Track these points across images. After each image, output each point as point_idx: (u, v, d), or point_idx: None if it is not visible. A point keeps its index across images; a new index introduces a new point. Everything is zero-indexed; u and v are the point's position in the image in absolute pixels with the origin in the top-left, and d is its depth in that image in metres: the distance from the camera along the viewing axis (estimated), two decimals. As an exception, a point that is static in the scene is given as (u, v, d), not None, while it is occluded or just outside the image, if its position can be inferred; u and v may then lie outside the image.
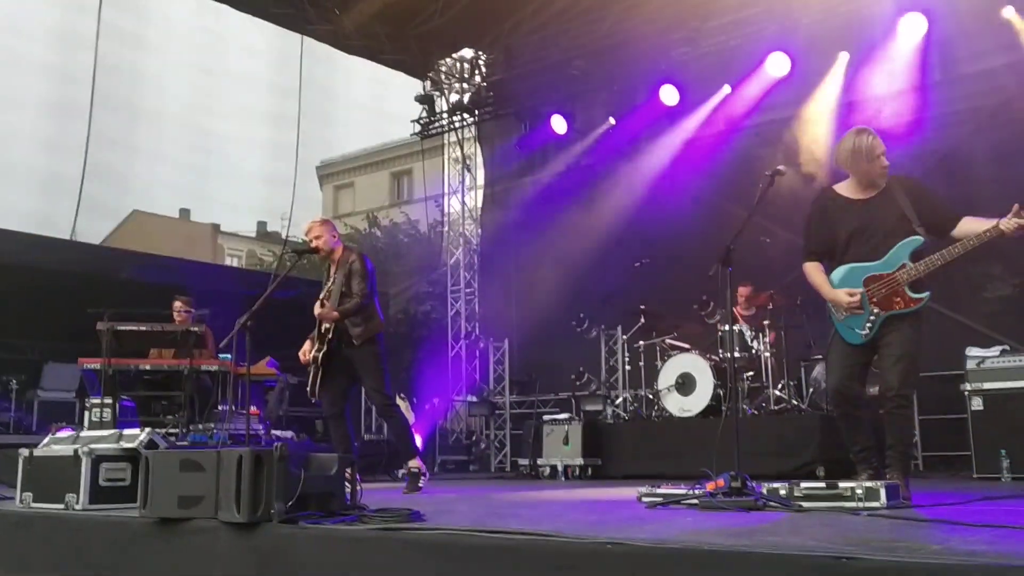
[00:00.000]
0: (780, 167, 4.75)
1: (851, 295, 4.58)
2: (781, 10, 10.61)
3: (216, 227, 38.10)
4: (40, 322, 11.05)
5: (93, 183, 13.22)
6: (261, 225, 39.44)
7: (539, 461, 9.21)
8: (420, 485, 6.24)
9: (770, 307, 8.85)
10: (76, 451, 4.31)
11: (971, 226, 4.44)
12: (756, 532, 3.08)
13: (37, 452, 4.59)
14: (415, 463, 6.22)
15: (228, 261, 35.32)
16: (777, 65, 10.71)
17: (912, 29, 9.77)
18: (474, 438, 13.63)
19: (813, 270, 4.81)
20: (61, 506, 4.25)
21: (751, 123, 11.30)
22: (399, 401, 19.58)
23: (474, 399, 13.54)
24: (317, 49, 13.59)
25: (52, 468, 4.40)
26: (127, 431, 4.63)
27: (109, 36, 12.44)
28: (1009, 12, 9.53)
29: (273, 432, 8.69)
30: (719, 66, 11.40)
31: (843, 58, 10.60)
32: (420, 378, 15.19)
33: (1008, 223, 4.29)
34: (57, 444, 4.62)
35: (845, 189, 4.78)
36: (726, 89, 11.43)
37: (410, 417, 18.57)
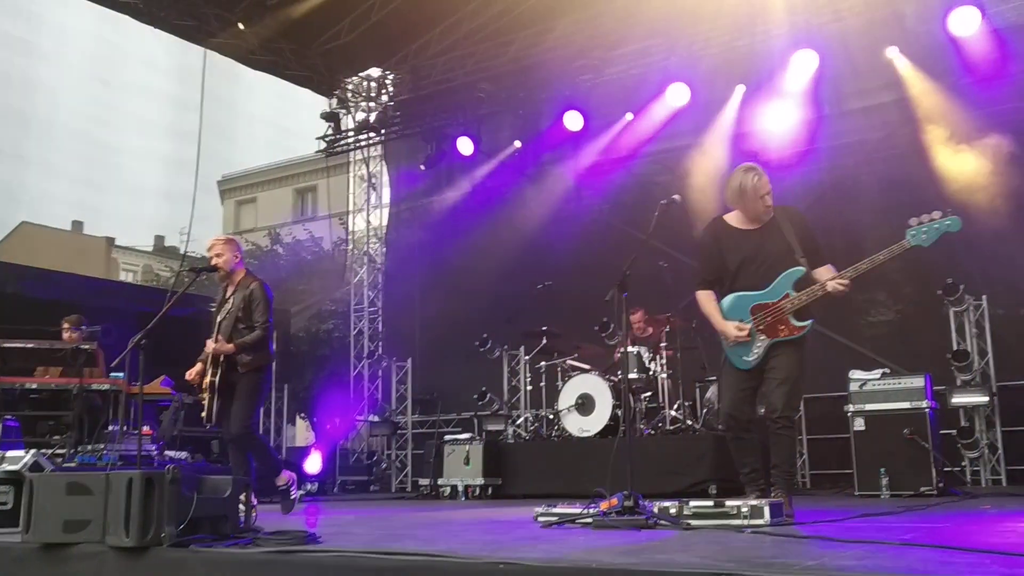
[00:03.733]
0: (675, 196, 4.93)
1: (740, 329, 4.77)
2: (683, 42, 10.97)
3: (110, 241, 36.86)
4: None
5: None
6: (159, 240, 38.34)
7: (440, 481, 9.22)
8: (293, 497, 6.13)
9: (667, 329, 9.08)
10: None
11: (820, 274, 4.75)
12: (645, 550, 3.18)
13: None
14: (282, 478, 6.09)
15: (123, 276, 34.22)
16: (677, 95, 11.06)
17: (804, 65, 10.22)
18: (375, 458, 13.53)
19: (705, 299, 4.99)
20: (-64, 532, 4.07)
21: (651, 150, 11.61)
22: (299, 420, 19.29)
23: (376, 419, 13.43)
24: (220, 63, 13.37)
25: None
26: (11, 453, 4.47)
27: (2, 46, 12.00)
28: (892, 52, 10.08)
29: (167, 453, 8.46)
30: (622, 94, 11.69)
31: (739, 90, 11.02)
32: (321, 397, 15.02)
33: (832, 284, 4.62)
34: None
35: (734, 219, 4.98)
36: (628, 116, 11.73)
37: (310, 437, 18.33)
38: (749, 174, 4.84)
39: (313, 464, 11.62)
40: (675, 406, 8.89)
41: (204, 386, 5.88)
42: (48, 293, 10.87)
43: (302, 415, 18.99)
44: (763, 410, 5.07)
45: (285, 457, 11.68)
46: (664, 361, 8.98)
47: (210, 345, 5.84)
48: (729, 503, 4.19)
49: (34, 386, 7.99)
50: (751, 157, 10.59)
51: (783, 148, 10.40)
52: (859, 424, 7.68)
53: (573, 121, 11.87)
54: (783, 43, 10.42)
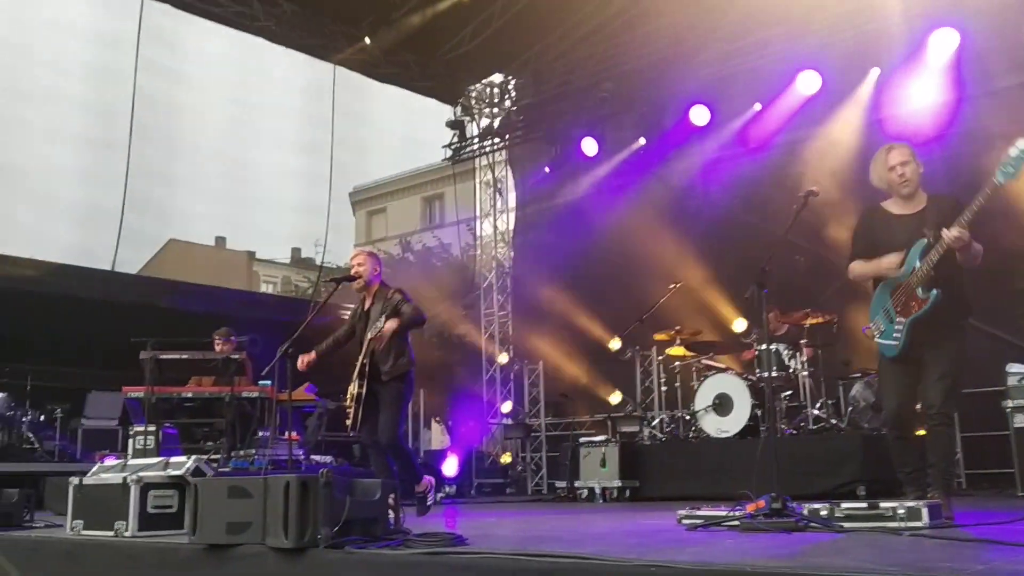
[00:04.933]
0: (814, 188, 4.78)
1: (895, 265, 4.62)
2: (811, 28, 10.62)
3: (251, 254, 38.56)
4: (83, 351, 11.27)
5: (131, 214, 13.47)
6: (295, 252, 39.86)
7: (576, 483, 9.21)
8: (430, 503, 6.28)
9: (806, 325, 8.81)
10: (125, 479, 4.40)
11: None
12: (798, 554, 3.09)
13: (87, 480, 4.69)
14: (422, 485, 6.24)
15: (264, 288, 35.71)
16: (807, 83, 10.72)
17: (943, 44, 9.73)
18: (511, 461, 13.64)
19: (857, 264, 4.86)
20: (111, 533, 4.34)
21: (781, 141, 11.28)
22: (434, 424, 19.67)
23: (509, 422, 13.55)
24: (349, 78, 13.81)
25: (102, 496, 4.50)
26: (174, 459, 4.72)
27: (147, 71, 12.73)
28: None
29: (312, 457, 8.77)
30: (749, 85, 11.41)
31: (873, 75, 10.58)
32: (455, 402, 15.25)
33: (948, 234, 4.38)
34: (106, 472, 4.72)
35: (890, 204, 4.85)
36: (756, 107, 11.44)
37: (445, 440, 18.64)
38: (882, 149, 4.79)
39: (450, 467, 11.82)
40: (817, 404, 8.61)
41: (350, 396, 6.08)
42: (197, 306, 11.44)
43: (437, 419, 19.35)
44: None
45: (423, 460, 11.92)
46: (804, 358, 8.70)
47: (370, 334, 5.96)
48: (884, 504, 4.02)
49: (189, 395, 8.42)
50: (888, 141, 10.20)
51: (923, 132, 9.92)
52: (1019, 420, 7.25)
53: (699, 116, 11.68)
54: (918, 22, 9.96)
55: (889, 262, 4.66)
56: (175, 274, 23.01)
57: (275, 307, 14.38)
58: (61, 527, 4.96)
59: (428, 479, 6.37)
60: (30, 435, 10.97)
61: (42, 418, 11.34)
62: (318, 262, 29.07)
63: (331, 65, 13.24)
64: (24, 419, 10.99)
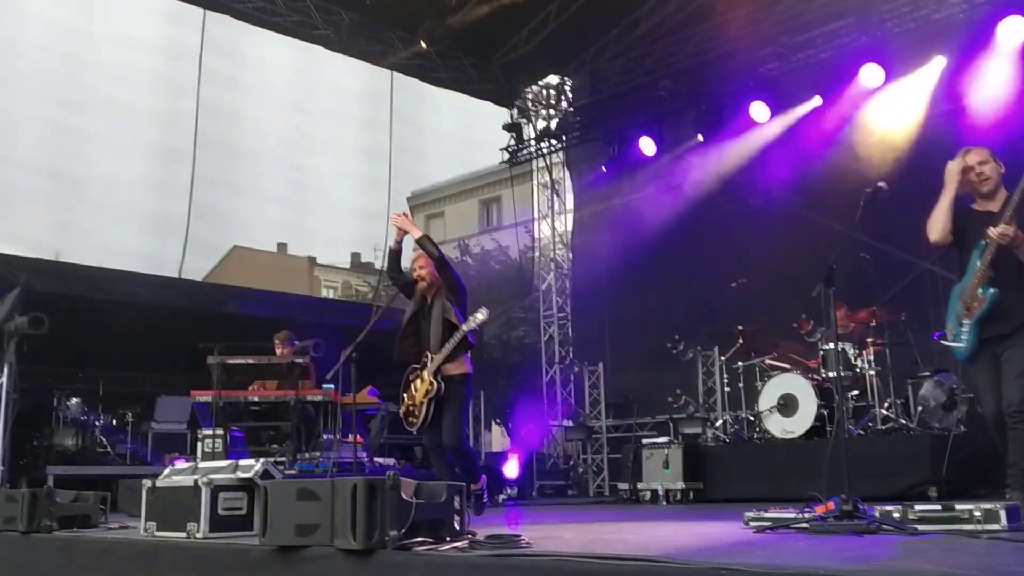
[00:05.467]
0: (881, 183, 4.68)
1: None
2: (874, 20, 10.42)
3: (312, 260, 39.13)
4: (153, 357, 11.54)
5: (196, 222, 13.77)
6: (355, 256, 40.34)
7: (639, 485, 9.14)
8: (485, 501, 6.33)
9: (873, 323, 8.63)
10: (196, 482, 4.49)
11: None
12: (872, 557, 3.02)
13: (159, 483, 4.80)
14: (478, 484, 6.28)
15: (324, 293, 36.19)
16: (871, 77, 10.51)
17: (1013, 32, 9.46)
18: (571, 463, 13.61)
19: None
20: (183, 535, 4.43)
21: (845, 136, 11.08)
22: (494, 425, 19.69)
23: (570, 424, 13.53)
24: (406, 83, 13.95)
25: (174, 498, 4.60)
26: (243, 462, 4.80)
27: (210, 81, 13.01)
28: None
29: (375, 459, 8.87)
30: (811, 80, 11.24)
31: (939, 66, 10.32)
32: (515, 404, 15.28)
33: (993, 232, 4.40)
34: (178, 475, 4.82)
35: (976, 204, 4.81)
36: (817, 100, 11.25)
37: (506, 442, 18.68)
38: (960, 152, 4.74)
39: (511, 469, 11.84)
40: (886, 404, 8.42)
41: (417, 396, 6.11)
42: (261, 311, 11.62)
43: (497, 421, 19.39)
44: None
45: (484, 462, 11.95)
46: (871, 357, 8.52)
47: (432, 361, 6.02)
48: (959, 506, 3.91)
49: (255, 399, 8.57)
50: (955, 134, 9.95)
51: (992, 122, 9.65)
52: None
53: (759, 112, 11.53)
54: (985, 10, 9.70)
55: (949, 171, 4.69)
56: (239, 280, 23.44)
57: (336, 311, 14.55)
58: (135, 529, 5.07)
59: (484, 477, 6.42)
60: (103, 439, 11.28)
61: (114, 422, 11.65)
62: (378, 266, 29.39)
63: (388, 71, 13.39)
64: (97, 423, 11.30)
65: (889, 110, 10.68)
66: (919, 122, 10.40)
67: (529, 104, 14.46)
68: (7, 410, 8.64)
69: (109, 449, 11.25)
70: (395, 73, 13.49)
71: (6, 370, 8.69)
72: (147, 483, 4.82)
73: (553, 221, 14.98)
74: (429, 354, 6.11)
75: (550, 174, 14.91)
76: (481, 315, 6.02)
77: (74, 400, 11.07)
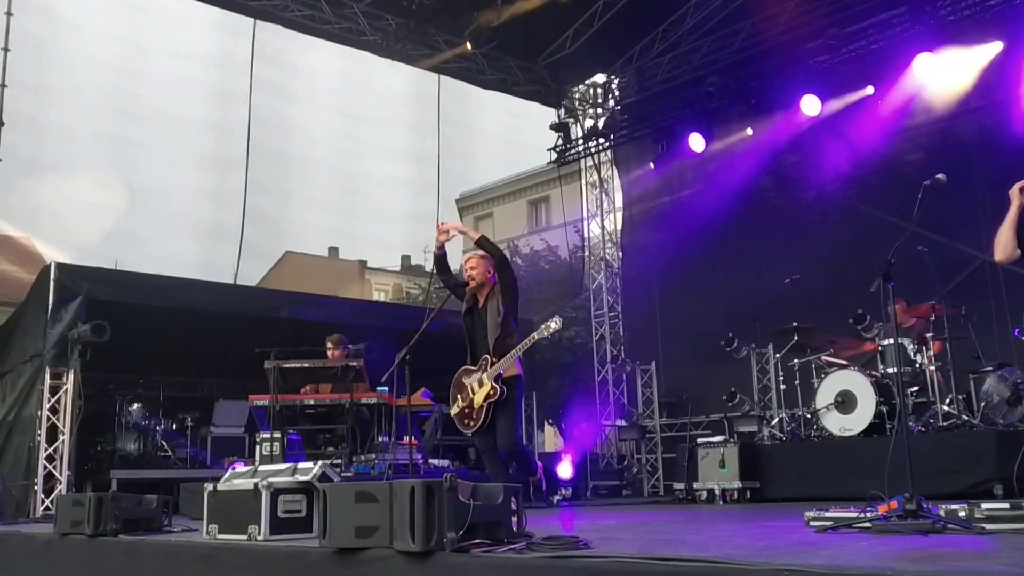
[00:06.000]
0: (939, 176, 4.59)
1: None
2: (928, 9, 10.20)
3: (363, 264, 39.48)
4: (210, 362, 11.73)
5: (250, 228, 14.00)
6: (405, 259, 40.63)
7: (695, 485, 9.05)
8: (544, 490, 6.35)
9: (932, 318, 8.45)
10: (256, 485, 4.56)
11: None
12: (939, 557, 2.96)
13: (220, 486, 4.88)
14: (536, 476, 6.31)
15: (376, 296, 36.50)
16: (925, 67, 10.30)
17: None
18: (625, 463, 13.55)
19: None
20: (244, 537, 4.50)
21: (898, 128, 10.87)
22: (547, 426, 19.69)
23: (623, 423, 13.46)
24: (453, 86, 14.02)
25: (235, 501, 4.67)
26: (301, 464, 4.86)
27: (260, 90, 13.21)
28: None
29: (430, 461, 8.91)
30: (862, 72, 11.05)
31: (994, 51, 10.06)
32: (568, 404, 15.25)
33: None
34: (237, 479, 4.90)
35: None
36: (869, 90, 11.05)
37: (558, 442, 18.66)
38: None
39: (565, 470, 11.81)
40: (947, 400, 8.24)
41: (478, 400, 6.13)
42: (314, 315, 11.73)
43: (550, 421, 19.36)
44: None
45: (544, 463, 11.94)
46: (931, 352, 8.35)
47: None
48: (1029, 505, 3.81)
49: (311, 402, 8.67)
50: (1012, 123, 9.70)
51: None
52: None
53: (810, 105, 11.36)
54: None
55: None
56: (291, 285, 23.73)
57: (388, 314, 14.64)
58: (197, 531, 5.17)
59: (540, 466, 6.46)
60: (164, 443, 11.50)
61: (174, 427, 11.88)
62: (428, 269, 29.54)
63: (435, 75, 13.48)
64: (158, 428, 11.53)
65: (944, 98, 10.45)
66: (975, 110, 10.17)
67: (576, 103, 14.44)
68: (72, 416, 8.87)
69: (170, 453, 11.47)
70: (442, 76, 13.57)
71: (71, 377, 8.91)
72: (208, 487, 4.90)
73: (602, 220, 14.93)
74: (488, 357, 6.12)
75: (598, 173, 14.87)
76: (555, 324, 6.01)
77: (135, 406, 11.31)
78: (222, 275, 15.96)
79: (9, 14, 10.30)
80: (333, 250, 41.50)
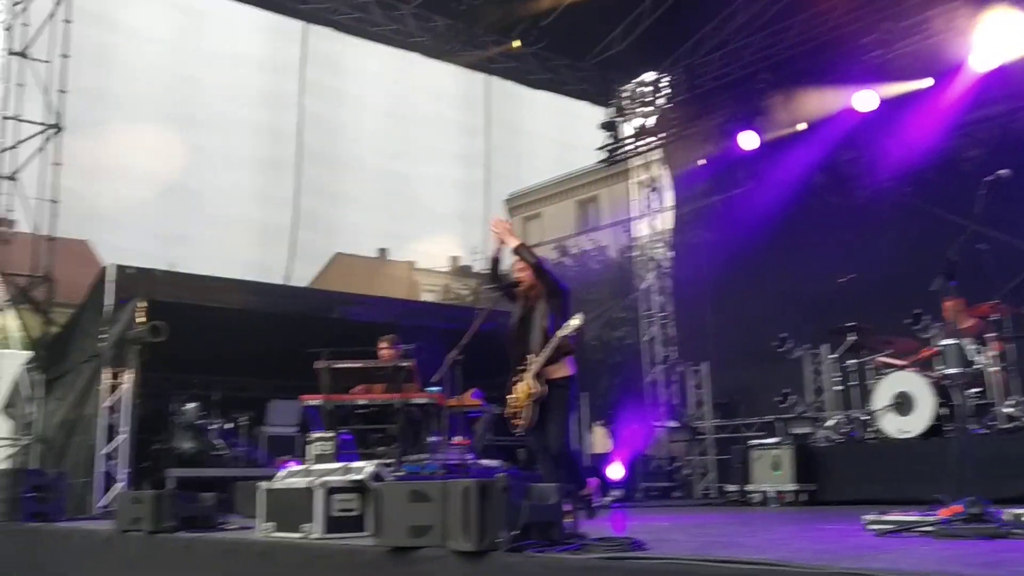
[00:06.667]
0: (1002, 171, 4.48)
1: None
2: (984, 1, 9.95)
3: (412, 264, 39.70)
4: (263, 362, 11.87)
5: (301, 230, 14.16)
6: (454, 260, 40.75)
7: (748, 487, 8.95)
8: (595, 506, 6.26)
9: (994, 318, 8.24)
10: (310, 484, 4.60)
11: None
12: (1005, 563, 2.88)
13: (275, 485, 4.93)
14: (587, 489, 6.23)
15: (424, 296, 36.67)
16: (983, 60, 10.04)
17: None
18: (676, 464, 13.43)
19: None
20: (299, 535, 4.54)
21: (958, 123, 10.62)
22: (597, 427, 19.71)
23: (674, 424, 13.35)
24: (501, 87, 14.03)
25: (290, 500, 4.72)
26: (354, 464, 4.90)
27: (311, 93, 13.36)
28: None
29: (481, 461, 8.91)
30: (918, 66, 10.81)
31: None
32: (618, 405, 15.17)
33: None
34: (292, 477, 4.95)
35: None
36: (925, 83, 10.81)
37: (608, 444, 18.59)
38: None
39: (616, 471, 11.76)
40: (1009, 402, 8.03)
41: (520, 396, 6.13)
42: (364, 316, 11.80)
43: (600, 422, 19.28)
44: None
45: (588, 464, 11.90)
46: (993, 353, 8.14)
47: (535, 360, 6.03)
48: (1099, 509, 3.69)
49: (363, 402, 8.72)
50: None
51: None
52: None
53: (864, 100, 11.15)
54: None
55: None
56: (341, 286, 23.94)
57: (438, 314, 14.69)
58: (251, 529, 5.23)
59: (593, 481, 6.37)
60: (218, 442, 11.65)
61: (228, 426, 12.03)
62: (476, 269, 29.62)
63: (483, 75, 13.50)
64: (212, 427, 11.69)
65: (1004, 93, 10.19)
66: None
67: (625, 102, 14.35)
68: (130, 415, 9.05)
69: (224, 452, 11.61)
70: (491, 77, 13.60)
71: (129, 377, 9.09)
72: (264, 485, 4.96)
73: (652, 219, 14.83)
74: (534, 356, 6.12)
75: (648, 172, 14.77)
76: (576, 321, 6.00)
77: (191, 405, 11.46)
78: (272, 276, 16.15)
79: (67, 21, 10.51)
80: (382, 251, 41.79)
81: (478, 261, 24.31)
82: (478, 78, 13.79)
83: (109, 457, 9.01)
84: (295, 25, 12.17)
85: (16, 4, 10.83)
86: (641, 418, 13.80)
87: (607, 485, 11.09)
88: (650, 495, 12.48)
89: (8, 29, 10.89)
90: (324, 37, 12.55)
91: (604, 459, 12.41)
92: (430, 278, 39.50)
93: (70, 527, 6.94)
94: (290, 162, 13.57)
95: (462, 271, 37.39)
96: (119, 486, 8.82)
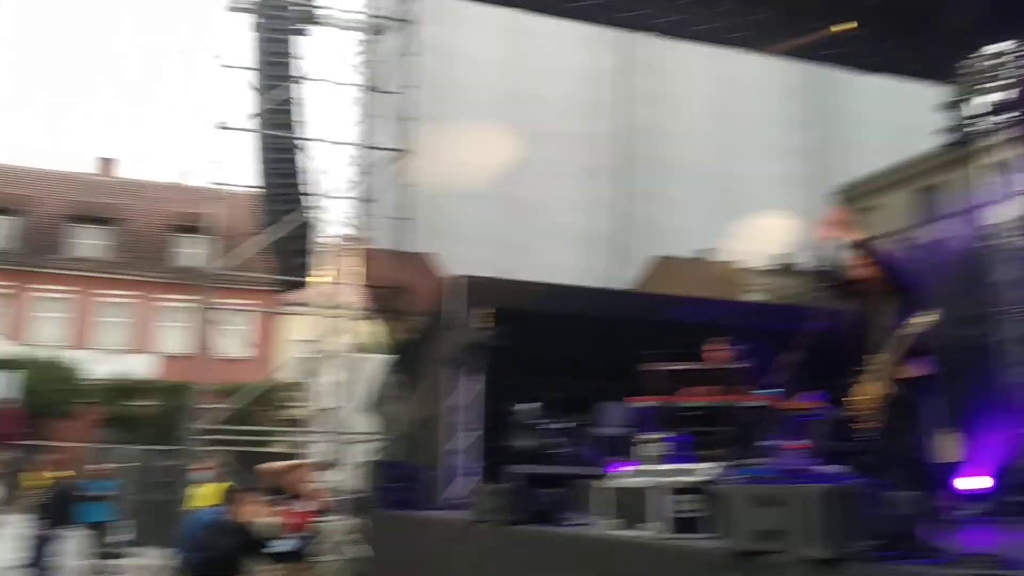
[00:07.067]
0: None
1: None
2: None
3: (736, 264, 38.90)
4: (595, 364, 12.23)
5: (622, 234, 14.46)
6: (781, 258, 39.36)
7: None
8: (951, 518, 5.73)
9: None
10: (656, 484, 4.70)
11: None
12: None
13: (616, 484, 5.10)
14: (941, 500, 5.71)
15: (749, 296, 35.76)
16: None
17: None
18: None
19: None
20: (645, 533, 4.66)
21: None
22: (948, 434, 18.14)
23: (1046, 431, 11.91)
24: (827, 76, 13.42)
25: (633, 498, 4.86)
26: (695, 466, 4.93)
27: (631, 99, 13.61)
28: None
29: (823, 466, 8.55)
30: None
31: None
32: (975, 410, 13.87)
33: None
34: (633, 477, 5.09)
35: None
36: None
37: (960, 453, 16.99)
38: None
39: (978, 482, 10.74)
40: None
41: (870, 402, 5.82)
42: (694, 317, 11.77)
43: (954, 428, 17.71)
44: None
45: (941, 473, 10.97)
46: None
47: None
48: None
49: (694, 404, 8.70)
50: None
51: None
52: None
53: None
54: None
55: None
56: (665, 288, 24.02)
57: (768, 315, 14.30)
58: (587, 525, 5.43)
59: (950, 491, 5.91)
60: (554, 441, 12.17)
61: (563, 426, 12.53)
62: (802, 267, 28.39)
63: (804, 65, 12.99)
64: (549, 427, 12.23)
65: None
66: None
67: (970, 78, 13.09)
68: (480, 415, 9.75)
69: (559, 451, 12.09)
70: (812, 66, 13.04)
71: (476, 378, 9.81)
72: (603, 483, 5.15)
73: (1006, 205, 13.37)
74: (875, 357, 5.79)
75: (1000, 153, 13.35)
76: (928, 317, 5.58)
77: (531, 405, 12.07)
78: (596, 281, 16.64)
79: (415, 55, 11.57)
80: (705, 252, 41.37)
81: (804, 258, 23.30)
82: (799, 69, 13.29)
83: (455, 452, 9.74)
84: (612, 35, 12.44)
85: (367, 43, 12.08)
86: (1002, 424, 12.48)
87: (962, 496, 10.18)
88: (1011, 510, 11.22)
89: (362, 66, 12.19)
90: (641, 43, 12.73)
91: (955, 468, 11.37)
92: (756, 277, 38.50)
93: (428, 516, 7.64)
94: (609, 168, 13.93)
95: (790, 269, 36.09)
96: (463, 479, 9.50)
